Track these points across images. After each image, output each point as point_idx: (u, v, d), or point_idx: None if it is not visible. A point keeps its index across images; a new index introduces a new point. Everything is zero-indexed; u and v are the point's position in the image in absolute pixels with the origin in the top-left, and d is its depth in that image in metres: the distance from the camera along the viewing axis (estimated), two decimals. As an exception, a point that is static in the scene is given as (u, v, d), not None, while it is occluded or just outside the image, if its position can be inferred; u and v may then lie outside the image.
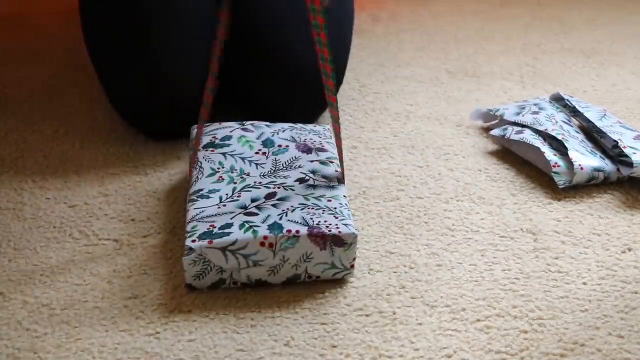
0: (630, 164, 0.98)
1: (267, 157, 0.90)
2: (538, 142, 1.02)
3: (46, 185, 0.99)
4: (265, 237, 0.77)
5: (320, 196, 0.84)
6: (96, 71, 1.09)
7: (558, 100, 1.14)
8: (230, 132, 0.95)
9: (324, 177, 0.87)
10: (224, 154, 0.91)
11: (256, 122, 0.97)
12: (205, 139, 0.93)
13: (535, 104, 1.12)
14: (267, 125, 0.97)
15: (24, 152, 1.07)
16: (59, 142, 1.09)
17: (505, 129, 1.07)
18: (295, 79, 1.04)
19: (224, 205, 0.82)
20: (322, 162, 0.89)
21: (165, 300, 0.79)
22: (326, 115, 1.16)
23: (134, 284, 0.81)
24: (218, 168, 0.88)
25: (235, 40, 1.06)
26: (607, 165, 0.99)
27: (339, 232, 0.78)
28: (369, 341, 0.74)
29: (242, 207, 0.82)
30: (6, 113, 1.17)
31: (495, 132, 1.08)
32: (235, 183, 0.86)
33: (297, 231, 0.78)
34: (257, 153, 0.91)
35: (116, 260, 0.85)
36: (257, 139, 0.94)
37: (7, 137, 1.10)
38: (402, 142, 1.10)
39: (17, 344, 0.73)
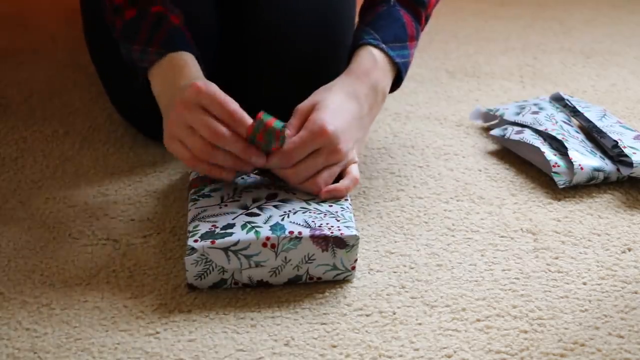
0: (630, 164, 0.98)
1: None
2: (538, 142, 1.02)
3: (46, 185, 0.99)
4: (267, 238, 0.77)
5: (322, 201, 0.84)
6: (98, 72, 1.09)
7: (558, 100, 1.14)
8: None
9: None
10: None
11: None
12: None
13: (535, 104, 1.12)
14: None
15: (23, 152, 1.06)
16: (58, 142, 1.09)
17: (505, 129, 1.07)
18: (298, 77, 1.04)
19: (226, 205, 0.82)
20: None
21: (165, 300, 0.79)
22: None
23: (133, 284, 0.81)
24: None
25: (238, 38, 1.06)
26: (607, 165, 0.99)
27: (341, 233, 0.78)
28: (369, 341, 0.74)
29: (243, 208, 0.82)
30: (6, 113, 1.17)
31: (495, 132, 1.08)
32: (236, 183, 0.86)
33: (300, 232, 0.78)
34: None
35: (116, 261, 0.85)
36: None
37: (7, 137, 1.10)
38: (402, 142, 1.10)
39: (17, 344, 0.73)
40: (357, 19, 1.01)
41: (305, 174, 0.84)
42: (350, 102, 0.88)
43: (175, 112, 0.82)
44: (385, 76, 0.93)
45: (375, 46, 0.92)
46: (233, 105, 0.81)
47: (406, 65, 0.96)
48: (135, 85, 0.93)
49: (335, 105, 0.86)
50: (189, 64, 0.88)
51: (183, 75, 0.87)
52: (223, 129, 0.80)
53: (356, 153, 0.89)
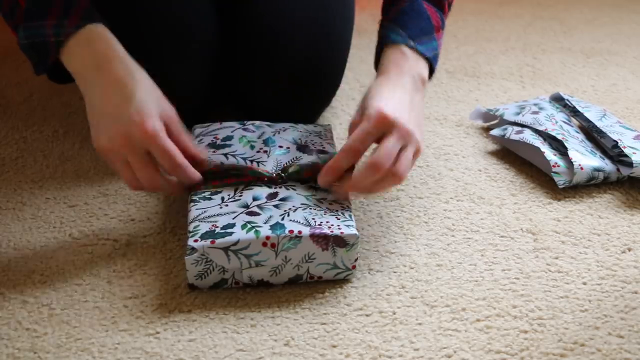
0: (630, 164, 0.98)
1: (268, 156, 0.90)
2: (538, 142, 1.02)
3: (46, 185, 0.99)
4: (267, 238, 0.77)
5: (322, 198, 0.84)
6: None
7: (558, 100, 1.14)
8: (232, 132, 0.95)
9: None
10: (225, 154, 0.91)
11: (257, 122, 0.97)
12: (207, 139, 0.93)
13: (535, 104, 1.12)
14: (268, 125, 0.97)
15: (23, 152, 1.07)
16: (58, 142, 1.09)
17: (505, 129, 1.07)
18: (296, 78, 1.04)
19: (226, 205, 0.82)
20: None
21: (165, 300, 0.79)
22: (326, 114, 1.16)
23: (134, 284, 0.81)
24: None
25: (235, 40, 1.06)
26: (607, 165, 0.99)
27: (341, 232, 0.78)
28: (369, 341, 0.74)
29: (244, 207, 0.82)
30: (6, 113, 1.17)
31: (495, 132, 1.08)
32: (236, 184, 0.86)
33: (300, 232, 0.78)
34: (258, 152, 0.91)
35: (116, 260, 0.85)
36: (258, 138, 0.93)
37: (7, 137, 1.10)
38: (402, 142, 1.10)
39: (17, 344, 0.73)
40: (378, 15, 1.00)
41: (385, 161, 0.81)
42: (396, 90, 0.87)
43: (120, 142, 0.78)
44: (417, 65, 0.92)
45: (405, 44, 0.92)
46: (180, 159, 0.80)
47: (436, 57, 0.96)
48: (40, 68, 0.86)
49: (385, 95, 0.85)
50: (109, 37, 0.83)
51: (109, 46, 0.82)
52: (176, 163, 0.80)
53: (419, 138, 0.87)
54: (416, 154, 0.85)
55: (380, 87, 0.87)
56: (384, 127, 0.82)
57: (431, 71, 0.96)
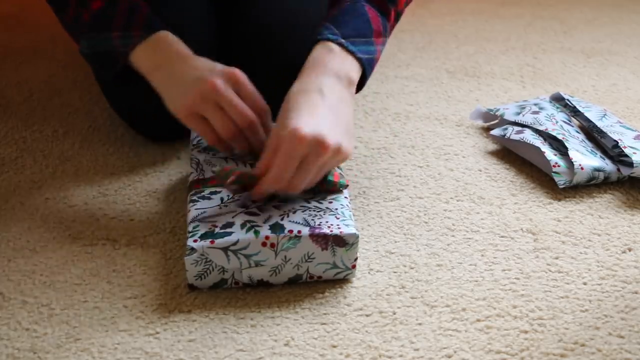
0: (630, 164, 0.98)
1: None
2: (538, 142, 1.02)
3: (45, 185, 0.99)
4: (267, 238, 0.77)
5: (322, 199, 0.84)
6: (97, 77, 1.09)
7: (558, 100, 1.14)
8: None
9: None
10: (225, 157, 0.91)
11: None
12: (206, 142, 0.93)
13: (535, 104, 1.12)
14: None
15: (23, 152, 1.07)
16: (58, 142, 1.09)
17: (506, 129, 1.07)
18: (294, 77, 1.04)
19: (225, 206, 0.82)
20: None
21: (165, 300, 0.79)
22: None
23: (134, 284, 0.81)
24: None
25: (233, 40, 1.06)
26: (607, 165, 0.99)
27: (341, 232, 0.78)
28: (369, 341, 0.74)
29: (243, 208, 0.82)
30: (6, 113, 1.17)
31: (495, 132, 1.08)
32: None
33: (299, 231, 0.78)
34: None
35: (116, 260, 0.85)
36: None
37: (7, 137, 1.10)
38: (402, 142, 1.10)
39: (17, 344, 0.73)
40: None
41: (300, 182, 0.80)
42: (315, 100, 0.82)
43: (193, 100, 0.85)
44: (344, 63, 0.88)
45: (334, 41, 0.88)
46: (249, 112, 0.86)
47: (371, 62, 0.91)
48: (106, 74, 0.94)
49: (303, 110, 0.80)
50: (177, 40, 0.91)
51: (179, 49, 0.90)
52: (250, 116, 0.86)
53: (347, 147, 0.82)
54: (341, 160, 0.82)
55: (297, 99, 0.82)
56: (305, 149, 0.77)
57: (364, 76, 0.91)
